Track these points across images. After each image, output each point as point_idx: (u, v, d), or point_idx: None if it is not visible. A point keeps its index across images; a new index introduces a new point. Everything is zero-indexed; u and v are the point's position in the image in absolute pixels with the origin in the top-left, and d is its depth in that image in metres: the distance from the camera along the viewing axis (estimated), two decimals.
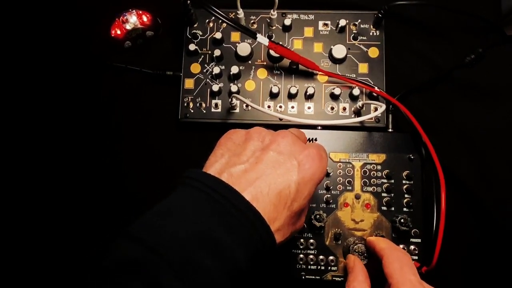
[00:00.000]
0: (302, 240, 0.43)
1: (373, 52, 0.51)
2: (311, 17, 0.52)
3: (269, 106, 0.50)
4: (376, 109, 0.49)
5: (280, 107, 0.50)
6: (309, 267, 0.43)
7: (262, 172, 0.29)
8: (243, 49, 0.51)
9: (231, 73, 0.50)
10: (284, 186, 0.29)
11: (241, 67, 0.51)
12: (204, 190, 0.28)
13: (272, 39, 0.50)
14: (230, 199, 0.27)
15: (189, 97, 0.51)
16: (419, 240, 0.43)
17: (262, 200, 0.28)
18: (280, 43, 0.49)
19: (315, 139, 0.46)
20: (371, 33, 0.51)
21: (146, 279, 0.24)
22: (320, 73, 0.50)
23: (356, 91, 0.49)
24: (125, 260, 0.24)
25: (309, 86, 0.49)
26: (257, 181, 0.29)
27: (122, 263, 0.24)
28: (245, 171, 0.29)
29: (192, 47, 0.51)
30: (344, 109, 0.50)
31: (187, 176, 0.30)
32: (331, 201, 0.44)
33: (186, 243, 0.25)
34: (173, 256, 0.24)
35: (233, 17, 0.51)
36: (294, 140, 0.32)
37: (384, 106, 0.46)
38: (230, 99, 0.49)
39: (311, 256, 0.43)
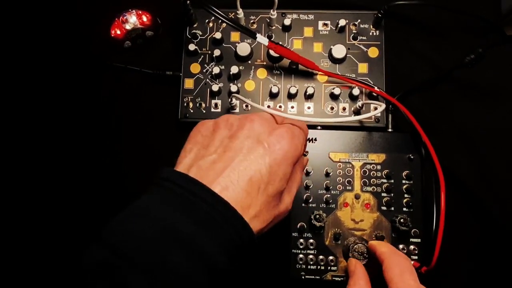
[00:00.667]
0: (302, 240, 0.43)
1: (373, 52, 0.51)
2: (311, 17, 0.52)
3: (269, 106, 0.50)
4: (376, 109, 0.49)
5: (280, 107, 0.50)
6: (309, 267, 0.43)
7: (230, 161, 0.29)
8: (243, 49, 0.51)
9: (231, 73, 0.50)
10: (255, 171, 0.28)
11: (241, 67, 0.51)
12: (173, 188, 0.27)
13: (272, 39, 0.50)
14: (198, 194, 0.27)
15: (189, 97, 0.51)
16: (419, 240, 0.43)
17: (233, 189, 0.27)
18: (280, 43, 0.49)
19: (315, 139, 0.46)
20: (371, 33, 0.51)
21: (114, 282, 0.23)
22: (320, 73, 0.50)
23: (356, 91, 0.49)
24: (93, 264, 0.24)
25: (309, 86, 0.49)
26: (225, 170, 0.28)
27: (91, 268, 0.24)
28: (214, 162, 0.29)
29: (192, 47, 0.51)
30: (344, 109, 0.50)
31: (157, 176, 0.29)
32: (330, 201, 0.44)
33: (153, 242, 0.24)
34: (140, 256, 0.24)
35: (233, 17, 0.51)
36: (262, 122, 0.31)
37: (383, 106, 0.46)
38: (230, 99, 0.49)
39: (311, 256, 0.43)
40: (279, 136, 0.30)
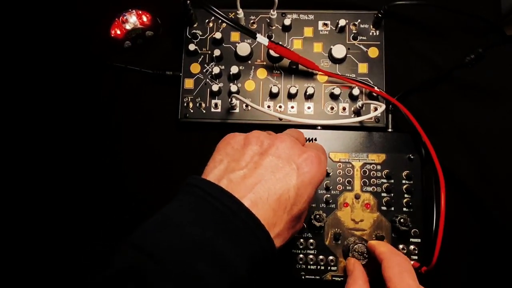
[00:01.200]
0: (302, 240, 0.43)
1: (373, 52, 0.51)
2: (311, 17, 0.52)
3: (269, 106, 0.50)
4: (376, 109, 0.49)
5: (280, 107, 0.50)
6: (308, 267, 0.43)
7: (261, 177, 0.29)
8: (243, 49, 0.51)
9: (231, 73, 0.50)
10: (284, 191, 0.29)
11: (241, 67, 0.51)
12: (204, 197, 0.28)
13: (271, 39, 0.50)
14: (230, 207, 0.27)
15: (189, 97, 0.51)
16: (418, 240, 0.43)
17: (262, 206, 0.28)
18: (280, 43, 0.49)
19: (315, 139, 0.46)
20: (370, 33, 0.51)
21: (145, 284, 0.23)
22: (320, 73, 0.50)
23: (356, 91, 0.49)
24: (124, 268, 0.24)
25: (309, 86, 0.49)
26: (256, 186, 0.29)
27: (121, 271, 0.24)
28: (244, 176, 0.29)
29: (192, 47, 0.51)
30: (344, 109, 0.50)
31: (187, 183, 0.29)
32: (331, 201, 0.44)
33: (184, 252, 0.25)
34: (171, 265, 0.24)
35: (233, 17, 0.51)
36: (292, 144, 0.32)
37: (384, 106, 0.46)
38: (230, 99, 0.49)
39: (310, 256, 0.43)
40: (308, 160, 0.31)
